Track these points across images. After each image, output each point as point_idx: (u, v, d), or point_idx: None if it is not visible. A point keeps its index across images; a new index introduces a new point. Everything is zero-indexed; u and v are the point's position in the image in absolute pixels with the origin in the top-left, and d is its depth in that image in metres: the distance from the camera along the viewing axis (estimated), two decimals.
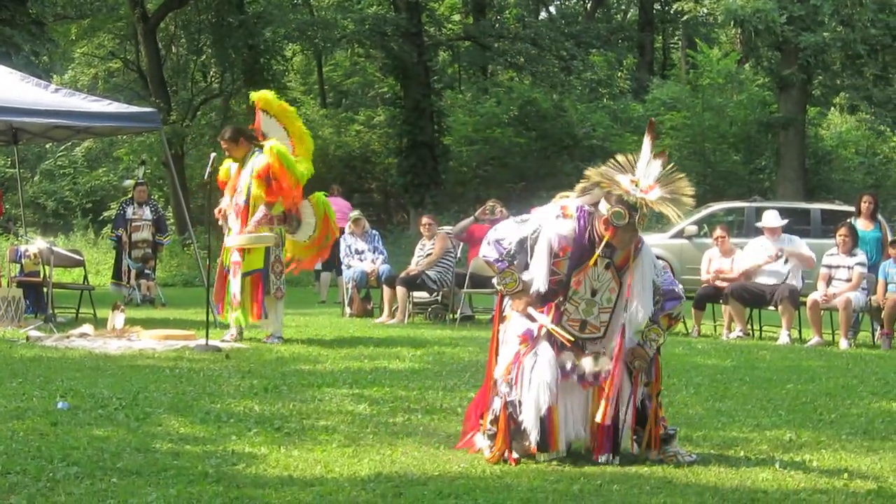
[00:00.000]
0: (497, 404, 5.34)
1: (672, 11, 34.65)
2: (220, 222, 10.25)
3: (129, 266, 15.35)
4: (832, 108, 32.34)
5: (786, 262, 11.97)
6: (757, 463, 5.26)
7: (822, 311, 11.70)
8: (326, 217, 10.31)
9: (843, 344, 11.31)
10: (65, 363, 8.37)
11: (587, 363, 5.28)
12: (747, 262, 12.13)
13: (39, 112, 11.87)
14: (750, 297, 12.00)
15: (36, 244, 12.85)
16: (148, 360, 8.76)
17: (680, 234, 17.96)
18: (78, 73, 33.69)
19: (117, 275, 15.64)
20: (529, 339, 5.24)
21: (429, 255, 13.31)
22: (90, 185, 33.11)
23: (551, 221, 5.27)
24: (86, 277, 14.34)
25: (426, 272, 13.19)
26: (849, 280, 11.58)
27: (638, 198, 5.11)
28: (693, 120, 27.62)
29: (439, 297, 13.57)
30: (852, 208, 13.75)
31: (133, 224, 15.52)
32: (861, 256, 11.68)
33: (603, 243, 5.17)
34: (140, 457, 5.05)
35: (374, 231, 14.68)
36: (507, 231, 5.39)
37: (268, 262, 9.90)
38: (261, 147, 9.87)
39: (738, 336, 11.90)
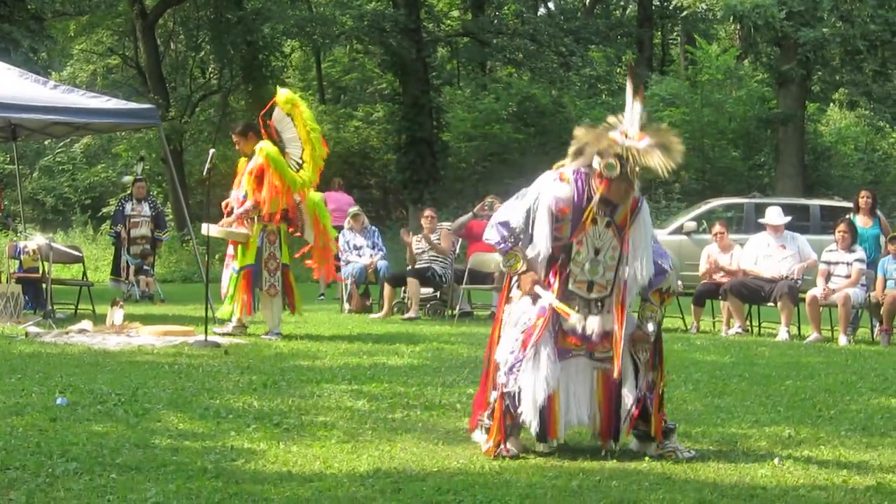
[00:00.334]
0: (493, 396, 5.35)
1: (671, 7, 34.54)
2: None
3: (127, 262, 15.35)
4: (831, 104, 32.34)
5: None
6: (756, 459, 5.26)
7: (822, 308, 11.70)
8: (317, 219, 10.22)
9: (842, 340, 11.32)
10: (64, 359, 8.37)
11: (595, 323, 5.26)
12: (749, 258, 12.10)
13: (38, 108, 11.87)
14: (749, 294, 12.01)
15: (35, 240, 12.86)
16: (147, 356, 8.76)
17: (679, 230, 17.94)
18: (77, 70, 33.68)
19: (116, 271, 15.65)
20: (530, 337, 5.24)
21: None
22: (89, 182, 33.10)
23: (549, 186, 5.28)
24: (85, 273, 14.35)
25: (433, 266, 13.17)
26: (848, 276, 11.59)
27: (626, 146, 5.10)
28: (692, 116, 27.60)
29: (438, 294, 13.57)
30: (851, 204, 13.75)
31: (132, 220, 15.53)
32: (860, 253, 11.69)
33: (598, 196, 5.18)
34: (139, 452, 5.04)
35: (373, 227, 14.69)
36: (508, 211, 5.38)
37: (260, 258, 9.94)
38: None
39: (737, 332, 11.90)
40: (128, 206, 15.66)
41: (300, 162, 9.98)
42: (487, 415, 5.37)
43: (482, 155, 29.34)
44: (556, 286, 5.27)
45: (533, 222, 5.27)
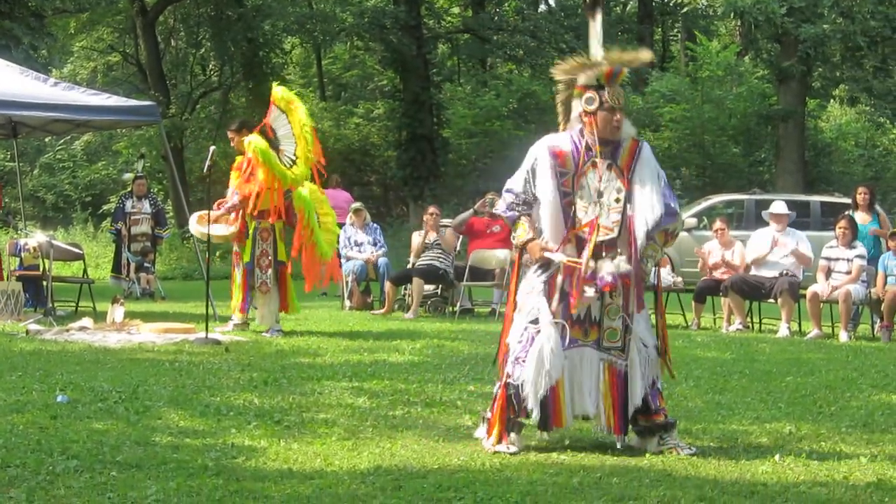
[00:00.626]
0: (497, 386, 5.36)
1: (671, 3, 34.53)
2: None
3: (128, 259, 15.35)
4: (832, 100, 32.32)
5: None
6: (757, 455, 5.26)
7: (822, 304, 11.70)
8: (301, 216, 10.07)
9: (843, 336, 11.32)
10: (64, 357, 8.37)
11: (607, 266, 5.25)
12: (754, 253, 12.07)
13: (38, 105, 11.86)
14: (749, 290, 12.00)
15: (35, 238, 12.87)
16: (147, 353, 8.76)
17: None
18: (77, 67, 33.66)
19: (117, 268, 15.66)
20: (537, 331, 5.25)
21: (437, 243, 13.23)
22: (89, 179, 33.11)
23: (543, 139, 5.39)
24: (85, 271, 14.36)
25: (434, 263, 13.11)
26: (848, 272, 11.58)
27: (595, 60, 5.30)
28: (692, 112, 27.58)
29: (439, 290, 13.56)
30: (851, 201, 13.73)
31: (132, 217, 15.53)
32: (860, 249, 11.68)
33: (596, 137, 5.27)
34: (140, 450, 5.04)
35: (374, 224, 14.68)
36: (511, 179, 5.42)
37: (253, 255, 9.98)
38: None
39: (737, 329, 11.90)
40: (128, 204, 15.66)
41: (293, 158, 9.98)
42: (488, 407, 5.39)
43: (483, 151, 29.32)
44: (568, 245, 5.27)
45: (534, 176, 5.31)
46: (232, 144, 10.39)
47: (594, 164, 5.28)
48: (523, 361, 5.23)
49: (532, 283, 5.33)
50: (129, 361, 8.16)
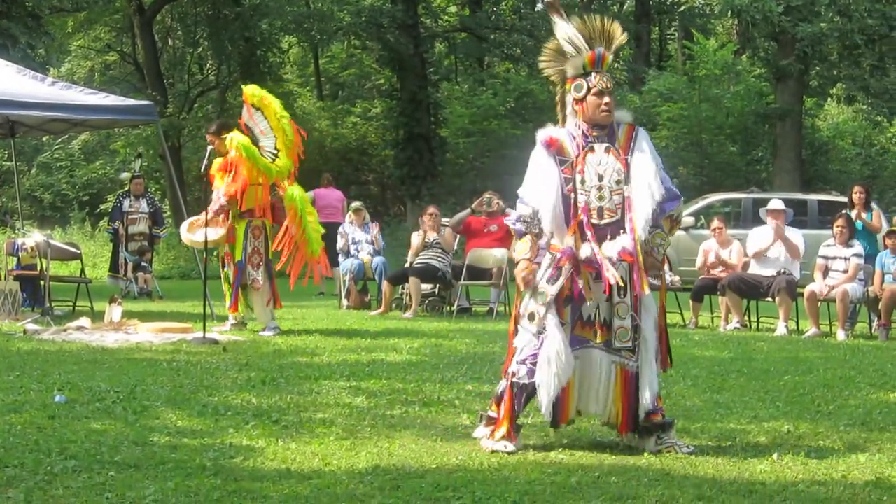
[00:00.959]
0: (502, 385, 5.36)
1: (669, 2, 34.64)
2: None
3: (125, 259, 15.35)
4: (829, 99, 32.32)
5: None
6: (755, 454, 5.26)
7: (820, 303, 11.70)
8: (293, 214, 10.05)
9: (841, 335, 11.32)
10: (62, 356, 8.36)
11: (609, 247, 5.25)
12: (756, 247, 12.06)
13: (36, 105, 11.86)
14: (747, 289, 12.00)
15: (33, 237, 12.87)
16: (145, 353, 8.75)
17: None
18: (74, 66, 33.66)
19: (114, 268, 15.65)
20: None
21: (437, 243, 13.21)
22: (87, 178, 33.10)
23: (538, 135, 5.41)
24: (83, 270, 14.34)
25: (432, 263, 13.10)
26: (846, 271, 11.59)
27: (572, 33, 5.37)
28: (690, 111, 27.60)
29: (437, 290, 13.55)
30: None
31: (130, 217, 15.54)
32: (858, 248, 11.68)
33: (580, 123, 5.34)
34: (138, 450, 5.04)
35: (373, 223, 14.69)
36: (525, 185, 5.38)
37: (245, 253, 9.99)
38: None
39: (735, 328, 11.90)
40: (126, 203, 15.66)
41: (275, 152, 9.99)
42: (488, 407, 5.40)
43: (480, 150, 29.34)
44: (573, 237, 5.26)
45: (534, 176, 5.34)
46: (213, 147, 10.25)
47: (592, 150, 5.33)
48: (531, 363, 5.24)
49: (542, 286, 5.32)
50: (126, 361, 8.15)
